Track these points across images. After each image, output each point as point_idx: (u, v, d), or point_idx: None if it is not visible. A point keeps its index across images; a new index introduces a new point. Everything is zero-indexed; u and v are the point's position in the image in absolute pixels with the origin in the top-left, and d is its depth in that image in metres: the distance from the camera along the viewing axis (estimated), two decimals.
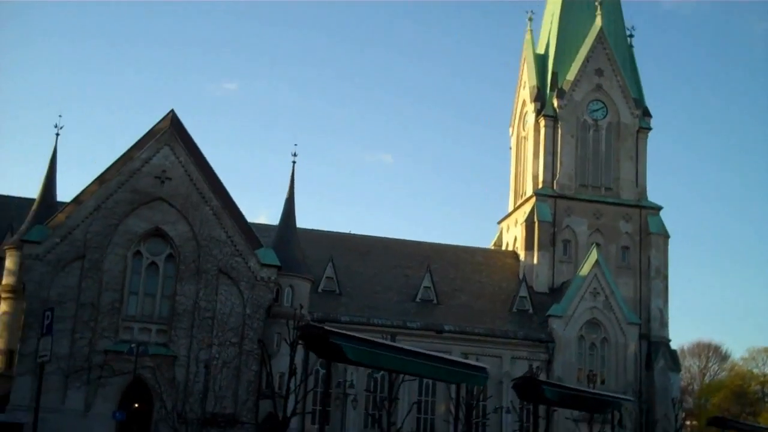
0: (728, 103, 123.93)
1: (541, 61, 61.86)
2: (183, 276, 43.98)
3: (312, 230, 52.22)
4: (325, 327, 14.99)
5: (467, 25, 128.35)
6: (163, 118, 46.10)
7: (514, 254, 56.70)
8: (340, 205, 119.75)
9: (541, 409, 26.71)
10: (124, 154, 45.13)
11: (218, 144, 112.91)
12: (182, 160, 45.32)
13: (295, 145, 49.19)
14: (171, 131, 45.58)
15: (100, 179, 44.62)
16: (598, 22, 59.97)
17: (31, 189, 70.21)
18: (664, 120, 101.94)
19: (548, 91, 59.69)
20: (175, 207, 44.64)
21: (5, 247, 45.19)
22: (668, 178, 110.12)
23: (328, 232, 53.94)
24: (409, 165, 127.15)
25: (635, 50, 63.42)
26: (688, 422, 66.71)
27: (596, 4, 60.33)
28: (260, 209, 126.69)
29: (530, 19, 63.70)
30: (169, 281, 44.19)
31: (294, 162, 47.89)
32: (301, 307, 43.40)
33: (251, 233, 45.63)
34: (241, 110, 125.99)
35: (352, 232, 55.15)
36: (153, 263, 44.40)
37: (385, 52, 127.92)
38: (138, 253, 44.28)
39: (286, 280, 45.15)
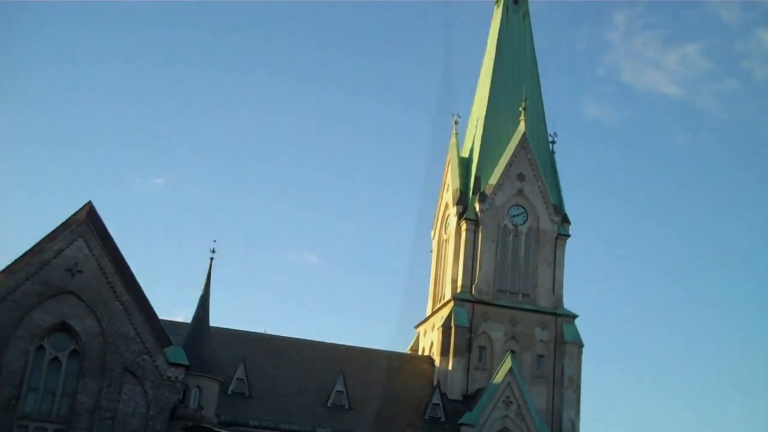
0: (646, 213, 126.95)
1: (465, 164, 62.82)
2: (86, 373, 42.87)
3: (226, 329, 51.40)
4: (214, 429, 14.42)
5: (393, 127, 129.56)
6: (80, 210, 45.56)
7: (430, 359, 56.55)
8: (260, 303, 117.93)
9: None
10: (36, 245, 44.29)
11: (140, 239, 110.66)
12: (96, 253, 44.74)
13: (214, 241, 48.65)
14: (87, 223, 45.00)
15: (9, 270, 43.58)
16: (522, 127, 61.31)
17: None
18: (582, 227, 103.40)
19: (471, 195, 60.47)
20: (84, 301, 43.90)
21: None
22: (585, 285, 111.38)
23: (243, 331, 53.16)
24: (335, 266, 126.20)
25: (557, 157, 64.60)
26: None
27: (520, 109, 61.78)
28: (179, 306, 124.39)
29: (456, 123, 64.93)
30: (71, 378, 42.99)
31: (212, 258, 47.92)
32: (202, 408, 42.60)
33: (161, 331, 44.88)
34: (166, 205, 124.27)
35: (267, 332, 54.47)
36: (56, 359, 43.19)
37: (312, 152, 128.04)
38: (41, 347, 43.03)
39: (194, 380, 44.27)
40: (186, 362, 44.09)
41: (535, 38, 67.45)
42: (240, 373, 49.03)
